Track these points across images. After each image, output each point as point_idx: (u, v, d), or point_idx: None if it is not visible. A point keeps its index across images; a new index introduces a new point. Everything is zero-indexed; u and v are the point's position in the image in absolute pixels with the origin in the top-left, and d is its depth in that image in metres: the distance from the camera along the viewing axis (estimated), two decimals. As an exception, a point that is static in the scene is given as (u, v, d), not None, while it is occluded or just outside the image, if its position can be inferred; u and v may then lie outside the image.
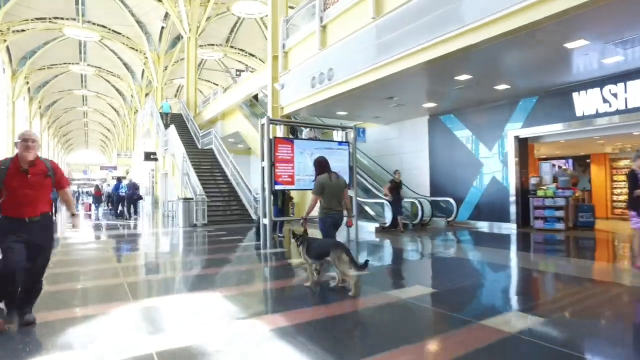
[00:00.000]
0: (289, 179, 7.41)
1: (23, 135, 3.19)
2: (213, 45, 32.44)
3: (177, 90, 43.55)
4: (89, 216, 18.39)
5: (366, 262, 4.15)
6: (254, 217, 12.38)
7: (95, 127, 59.88)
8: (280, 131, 11.56)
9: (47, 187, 3.24)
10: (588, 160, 13.98)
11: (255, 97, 17.38)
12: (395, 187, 9.75)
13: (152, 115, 20.38)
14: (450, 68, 7.70)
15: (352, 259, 4.04)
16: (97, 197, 22.35)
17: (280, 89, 11.88)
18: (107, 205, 21.47)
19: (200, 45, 25.98)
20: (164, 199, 29.43)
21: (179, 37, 30.46)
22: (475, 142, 10.95)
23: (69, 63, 35.59)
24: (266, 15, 30.54)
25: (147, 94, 38.48)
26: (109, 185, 27.87)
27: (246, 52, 34.27)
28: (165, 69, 32.14)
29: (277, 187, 7.44)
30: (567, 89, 8.89)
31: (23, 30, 28.18)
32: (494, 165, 10.45)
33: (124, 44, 31.47)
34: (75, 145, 71.83)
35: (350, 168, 8.10)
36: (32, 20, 27.52)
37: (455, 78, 8.23)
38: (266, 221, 7.35)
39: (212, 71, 39.48)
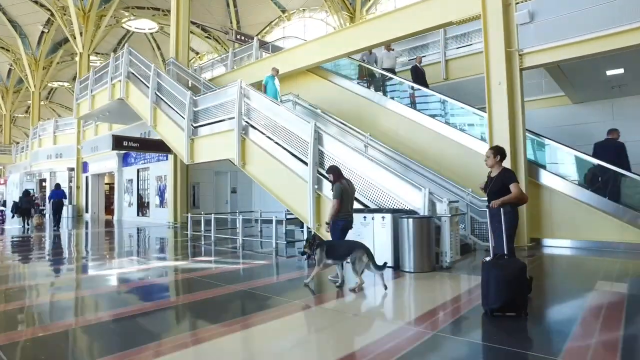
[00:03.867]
0: None
1: None
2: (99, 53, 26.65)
3: (50, 94, 37.19)
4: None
5: (384, 263, 4.30)
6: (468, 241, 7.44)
7: None
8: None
9: None
10: None
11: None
12: None
13: (129, 78, 12.59)
14: None
15: (372, 260, 4.23)
16: None
17: (526, 22, 7.42)
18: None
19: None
20: (95, 210, 20.02)
21: (60, 43, 26.09)
22: None
23: None
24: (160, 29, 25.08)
25: (15, 92, 32.61)
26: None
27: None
28: (45, 69, 27.32)
29: None
30: None
31: None
32: None
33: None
34: None
35: None
36: None
37: None
38: None
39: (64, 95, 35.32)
